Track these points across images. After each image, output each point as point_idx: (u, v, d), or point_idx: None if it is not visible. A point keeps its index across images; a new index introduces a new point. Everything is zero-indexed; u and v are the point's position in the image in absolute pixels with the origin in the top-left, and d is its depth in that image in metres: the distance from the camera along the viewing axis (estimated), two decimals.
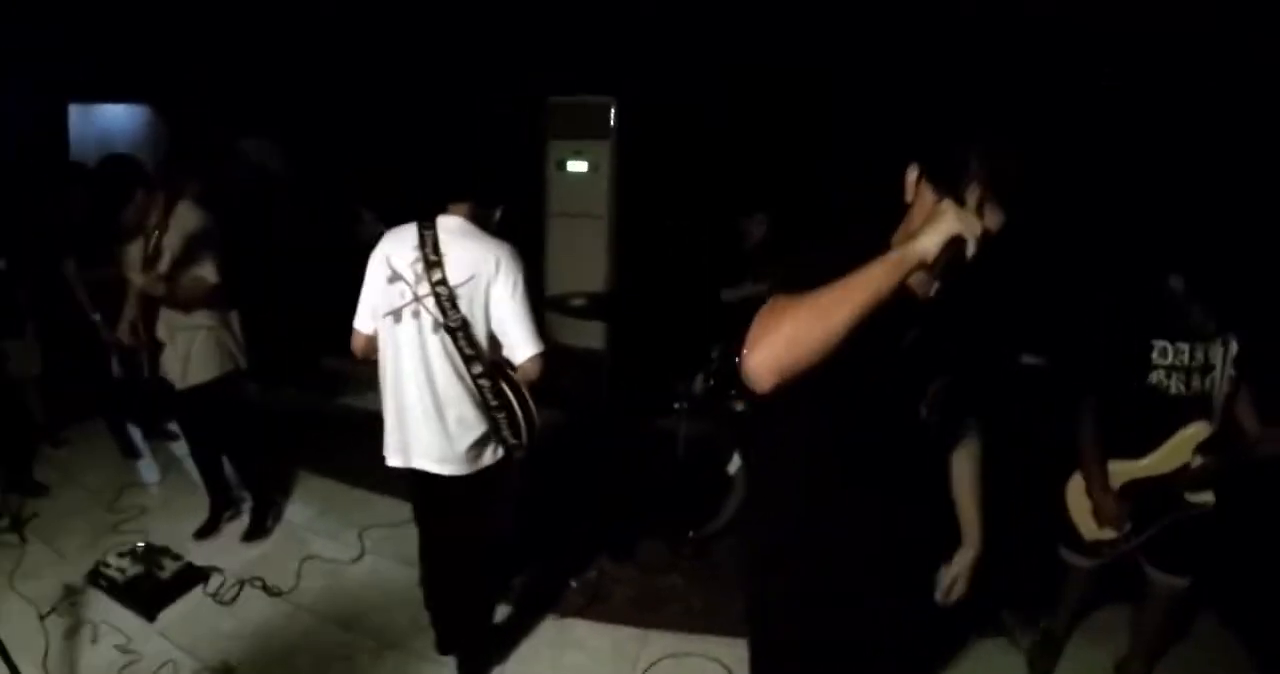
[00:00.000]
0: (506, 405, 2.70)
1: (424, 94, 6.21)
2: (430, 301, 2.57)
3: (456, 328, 2.56)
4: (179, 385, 3.73)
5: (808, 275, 1.44)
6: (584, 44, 5.61)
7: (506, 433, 2.74)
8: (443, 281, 2.54)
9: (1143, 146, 4.52)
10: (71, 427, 5.17)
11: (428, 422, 2.68)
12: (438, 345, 2.61)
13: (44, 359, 4.73)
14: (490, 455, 2.78)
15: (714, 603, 3.64)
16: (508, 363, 2.70)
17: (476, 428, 2.70)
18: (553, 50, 5.72)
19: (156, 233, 3.39)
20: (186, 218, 3.56)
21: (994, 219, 1.46)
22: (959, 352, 1.73)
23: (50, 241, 4.49)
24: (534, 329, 2.62)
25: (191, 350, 3.69)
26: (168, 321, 3.66)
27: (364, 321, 2.77)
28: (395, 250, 2.65)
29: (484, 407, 2.69)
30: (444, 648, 3.21)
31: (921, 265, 1.37)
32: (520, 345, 2.61)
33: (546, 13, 5.51)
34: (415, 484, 2.90)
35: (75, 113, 6.38)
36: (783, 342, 1.39)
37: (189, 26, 5.85)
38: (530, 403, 2.77)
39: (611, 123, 5.87)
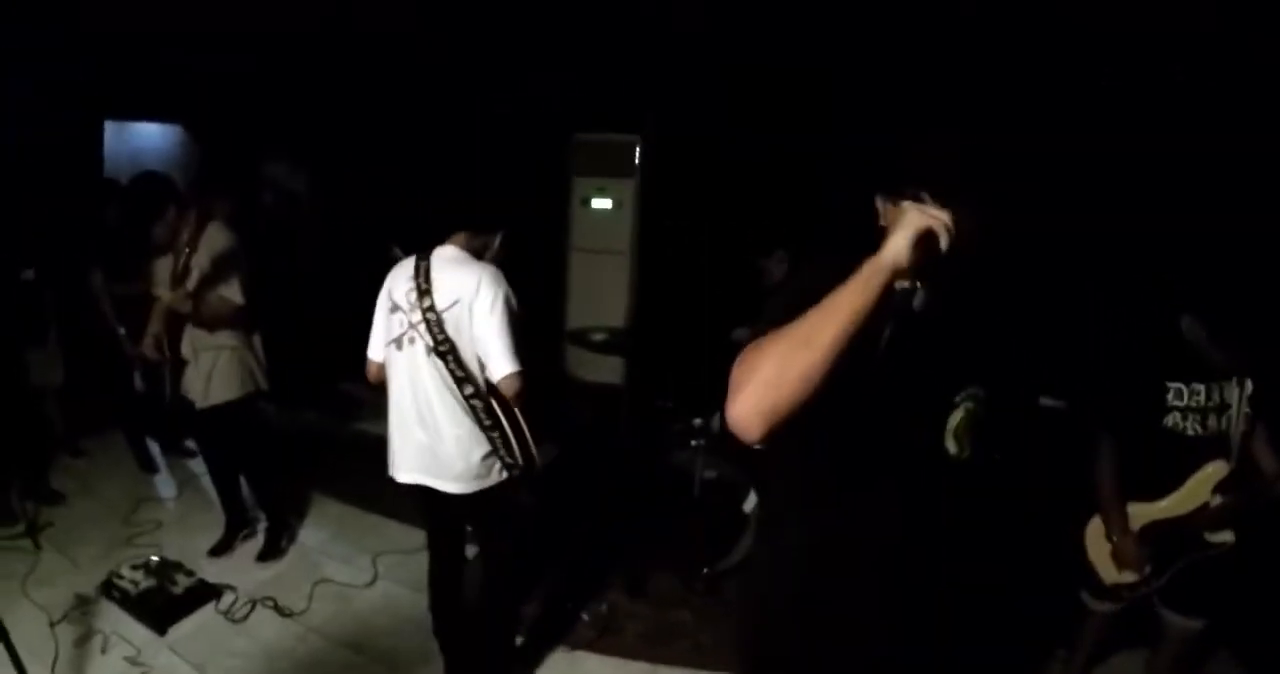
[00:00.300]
0: (498, 425, 2.78)
1: (440, 126, 6.31)
2: (422, 328, 2.70)
3: (446, 351, 2.69)
4: (200, 404, 3.78)
5: (786, 309, 1.34)
6: (610, 82, 5.71)
7: (503, 452, 2.82)
8: (431, 308, 2.68)
9: (1153, 186, 4.57)
10: (91, 437, 5.22)
11: (430, 441, 2.79)
12: (432, 369, 2.73)
13: (66, 369, 4.80)
14: (495, 475, 2.85)
15: (724, 640, 3.58)
16: None
17: (476, 447, 2.78)
18: (578, 87, 5.83)
19: (186, 251, 3.48)
20: (216, 238, 3.64)
21: (961, 213, 1.32)
22: (961, 368, 1.59)
23: (79, 254, 4.56)
24: (510, 347, 2.69)
25: (214, 370, 3.74)
26: (192, 340, 3.72)
27: (375, 350, 2.93)
28: (396, 283, 2.82)
29: (480, 425, 2.77)
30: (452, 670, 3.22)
31: (896, 269, 1.27)
32: (496, 362, 2.68)
33: (575, 50, 5.62)
34: (424, 503, 2.95)
35: (110, 130, 6.49)
36: (764, 383, 1.28)
37: (224, 49, 5.96)
38: (521, 423, 2.84)
39: (636, 161, 5.97)
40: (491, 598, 3.17)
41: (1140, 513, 2.75)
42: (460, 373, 2.70)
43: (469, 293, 2.66)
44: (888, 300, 1.28)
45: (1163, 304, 2.74)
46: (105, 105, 6.40)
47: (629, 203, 6.05)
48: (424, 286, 2.70)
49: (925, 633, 1.67)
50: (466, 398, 2.72)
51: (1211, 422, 2.60)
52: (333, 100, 6.36)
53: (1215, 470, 2.62)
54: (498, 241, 2.90)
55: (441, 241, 2.82)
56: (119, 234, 4.30)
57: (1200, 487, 2.64)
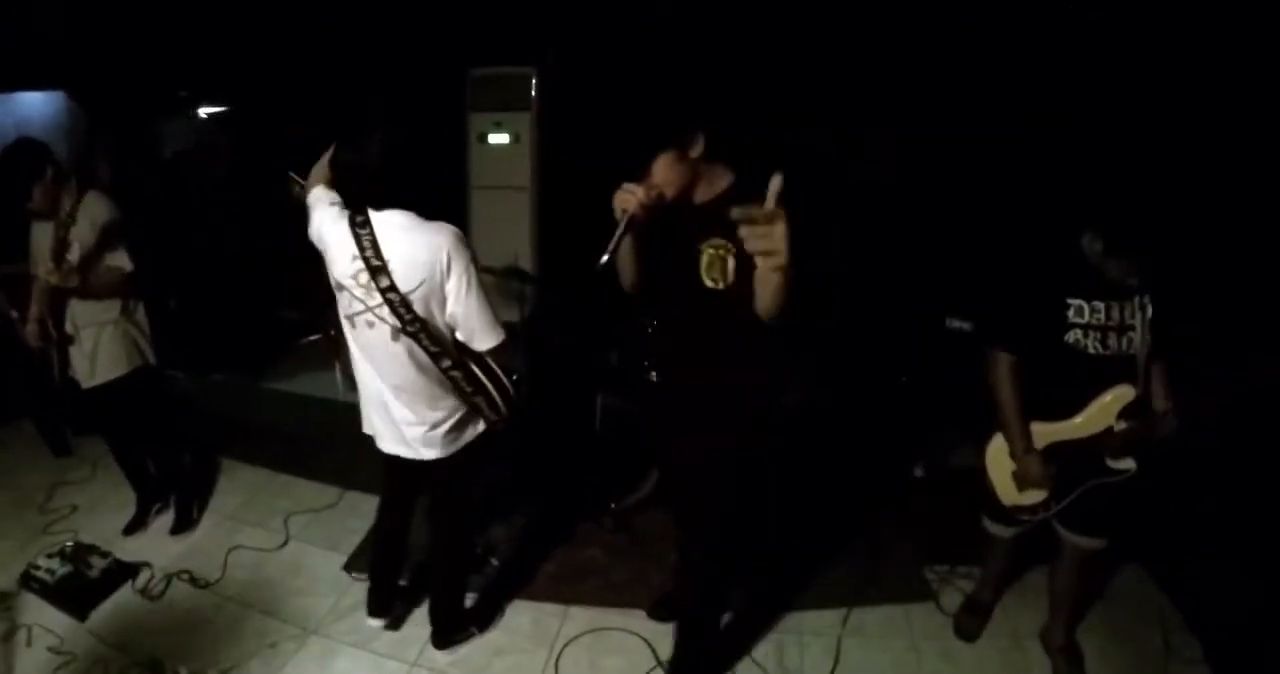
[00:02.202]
0: (482, 389, 2.68)
1: (345, 69, 6.10)
2: (384, 311, 2.47)
3: (417, 331, 2.49)
4: (85, 384, 3.66)
5: None
6: (503, 14, 5.50)
7: (487, 411, 2.74)
8: (392, 288, 2.43)
9: (1057, 100, 4.50)
10: (7, 426, 5.13)
11: (406, 416, 2.69)
12: (402, 349, 2.54)
13: None
14: (471, 432, 2.80)
15: (635, 576, 3.64)
16: None
17: (456, 414, 2.72)
18: (472, 21, 5.62)
19: (66, 223, 3.29)
20: (95, 206, 3.45)
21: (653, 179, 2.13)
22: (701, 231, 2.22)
23: None
24: (491, 319, 2.56)
25: (97, 347, 3.60)
26: (73, 317, 3.56)
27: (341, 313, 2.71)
28: (333, 256, 2.55)
29: (461, 394, 2.67)
30: (377, 611, 3.28)
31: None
32: (479, 336, 2.56)
33: None
34: (392, 462, 2.89)
35: None
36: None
37: (102, 7, 5.70)
38: (503, 379, 2.75)
39: (533, 93, 5.79)
40: (442, 569, 3.20)
41: (1044, 432, 2.71)
42: (435, 348, 2.53)
43: (439, 271, 2.43)
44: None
45: (1064, 220, 2.62)
46: None
47: (527, 137, 5.88)
48: (376, 264, 2.42)
49: (703, 399, 2.46)
50: (445, 371, 2.59)
51: (1113, 341, 2.52)
52: (222, 47, 6.11)
53: (1121, 394, 2.56)
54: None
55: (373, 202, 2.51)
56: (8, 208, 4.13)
57: (1105, 410, 2.59)
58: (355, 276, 2.47)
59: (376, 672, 3.14)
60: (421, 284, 2.43)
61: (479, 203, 6.05)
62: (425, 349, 2.54)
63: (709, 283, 2.22)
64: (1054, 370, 2.60)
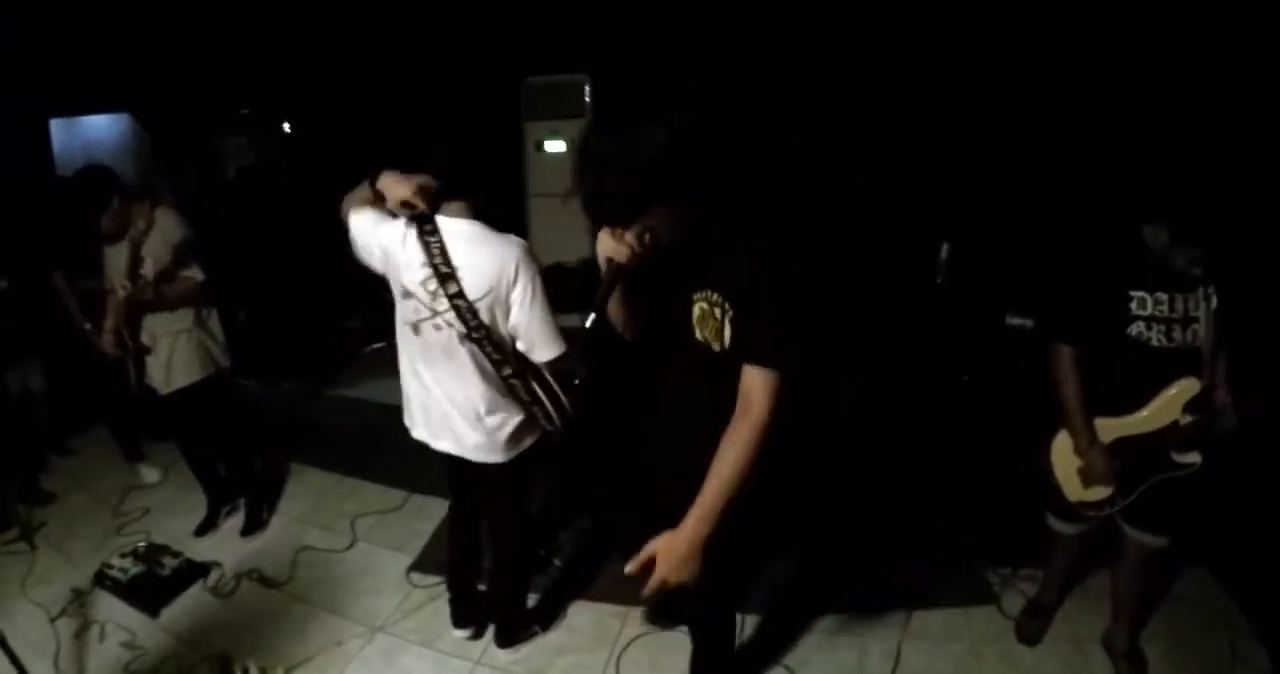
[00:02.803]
0: (538, 400, 2.74)
1: (403, 83, 6.23)
2: (450, 316, 2.55)
3: (482, 337, 2.56)
4: (162, 391, 3.81)
5: None
6: (556, 22, 5.60)
7: (543, 422, 2.80)
8: (460, 295, 2.50)
9: (1120, 91, 4.47)
10: (79, 435, 5.31)
11: (467, 422, 2.74)
12: (465, 354, 2.62)
13: (46, 374, 4.86)
14: (529, 440, 2.85)
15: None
16: None
17: (514, 420, 2.77)
18: (526, 30, 5.72)
19: (139, 241, 3.49)
20: (165, 223, 3.63)
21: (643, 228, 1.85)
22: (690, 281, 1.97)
23: (40, 257, 4.58)
24: (553, 331, 2.60)
25: (173, 355, 3.76)
26: (149, 327, 3.73)
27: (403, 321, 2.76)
28: (401, 263, 2.59)
29: (519, 402, 2.73)
30: (460, 622, 3.33)
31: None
32: (539, 347, 2.60)
33: None
34: (453, 468, 2.96)
35: (58, 128, 6.45)
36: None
37: (160, 30, 5.89)
38: (559, 393, 2.79)
39: (586, 100, 5.86)
40: (502, 571, 3.25)
41: (1109, 427, 2.69)
42: (498, 355, 2.61)
43: (505, 281, 2.50)
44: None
45: (1125, 211, 2.62)
46: (49, 104, 6.35)
47: None
48: (445, 271, 2.49)
49: (690, 459, 2.04)
50: (505, 379, 2.66)
51: (1177, 334, 2.50)
52: (283, 64, 6.28)
53: (1187, 387, 2.53)
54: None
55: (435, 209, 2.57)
56: (73, 231, 4.30)
57: (1171, 403, 2.56)
58: (424, 283, 2.54)
59: (440, 669, 3.20)
60: (489, 293, 2.51)
61: (537, 210, 6.15)
62: (488, 355, 2.61)
63: (700, 336, 1.98)
64: (1118, 364, 2.59)
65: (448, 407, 2.74)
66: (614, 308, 2.08)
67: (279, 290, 5.94)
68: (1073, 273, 2.70)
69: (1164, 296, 2.49)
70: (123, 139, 6.89)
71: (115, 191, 3.59)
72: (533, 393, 2.72)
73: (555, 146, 5.96)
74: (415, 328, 2.65)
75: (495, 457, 2.80)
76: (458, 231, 2.54)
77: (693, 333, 1.98)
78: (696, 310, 1.95)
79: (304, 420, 5.49)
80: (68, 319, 4.47)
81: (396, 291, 2.67)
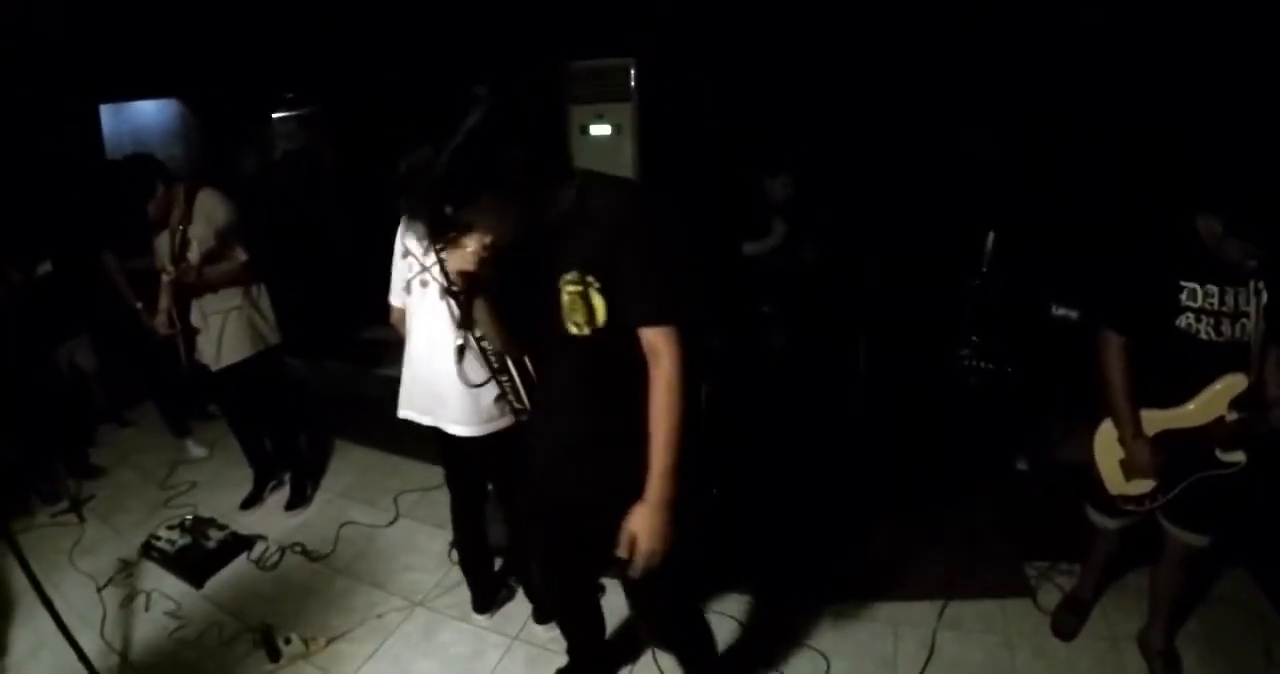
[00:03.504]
0: (505, 369, 2.75)
1: (438, 64, 6.27)
2: (436, 270, 2.65)
3: (458, 292, 2.63)
4: (214, 367, 3.91)
5: None
6: (600, 5, 5.63)
7: (511, 397, 2.79)
8: (444, 248, 2.59)
9: (1170, 83, 4.43)
10: (133, 410, 5.47)
11: (439, 385, 2.78)
12: (444, 310, 2.68)
13: (99, 350, 5.01)
14: (503, 420, 2.85)
15: (728, 555, 3.67)
16: None
17: (490, 392, 2.78)
18: (569, 14, 5.75)
19: (182, 226, 3.61)
20: (209, 204, 3.73)
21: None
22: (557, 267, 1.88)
23: (90, 238, 4.70)
24: None
25: (223, 332, 3.86)
26: (200, 306, 3.83)
27: (395, 295, 2.94)
28: (406, 226, 2.76)
29: (489, 370, 2.75)
30: (480, 606, 3.37)
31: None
32: None
33: None
34: (441, 444, 2.99)
35: (107, 113, 6.57)
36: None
37: (208, 15, 5.98)
38: (530, 368, 2.76)
39: (632, 84, 5.89)
40: (517, 535, 3.26)
41: (1154, 419, 2.65)
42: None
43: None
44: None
45: (1178, 201, 2.59)
46: (98, 89, 6.46)
47: (628, 127, 5.99)
48: None
49: (577, 453, 2.12)
50: (478, 340, 2.69)
51: (1226, 328, 2.46)
52: (325, 48, 6.35)
53: (1234, 383, 2.49)
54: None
55: None
56: (121, 212, 4.41)
57: (1217, 398, 2.53)
58: (420, 239, 2.69)
59: (479, 643, 3.25)
60: None
61: None
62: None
63: (572, 329, 1.90)
64: (1165, 356, 2.56)
65: (435, 368, 2.78)
66: (485, 322, 2.12)
67: (324, 270, 6.02)
68: (1125, 261, 2.66)
69: (1214, 289, 2.46)
70: (171, 124, 7.01)
71: (159, 179, 3.69)
72: (501, 360, 2.72)
73: (600, 130, 5.98)
74: (409, 287, 2.79)
75: (471, 428, 2.81)
76: None
77: (564, 326, 1.90)
78: (565, 299, 1.87)
79: (348, 398, 5.61)
80: (119, 298, 4.58)
81: (399, 256, 2.83)
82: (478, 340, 2.69)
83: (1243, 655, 3.10)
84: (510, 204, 1.74)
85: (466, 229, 1.83)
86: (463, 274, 1.88)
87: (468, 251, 1.85)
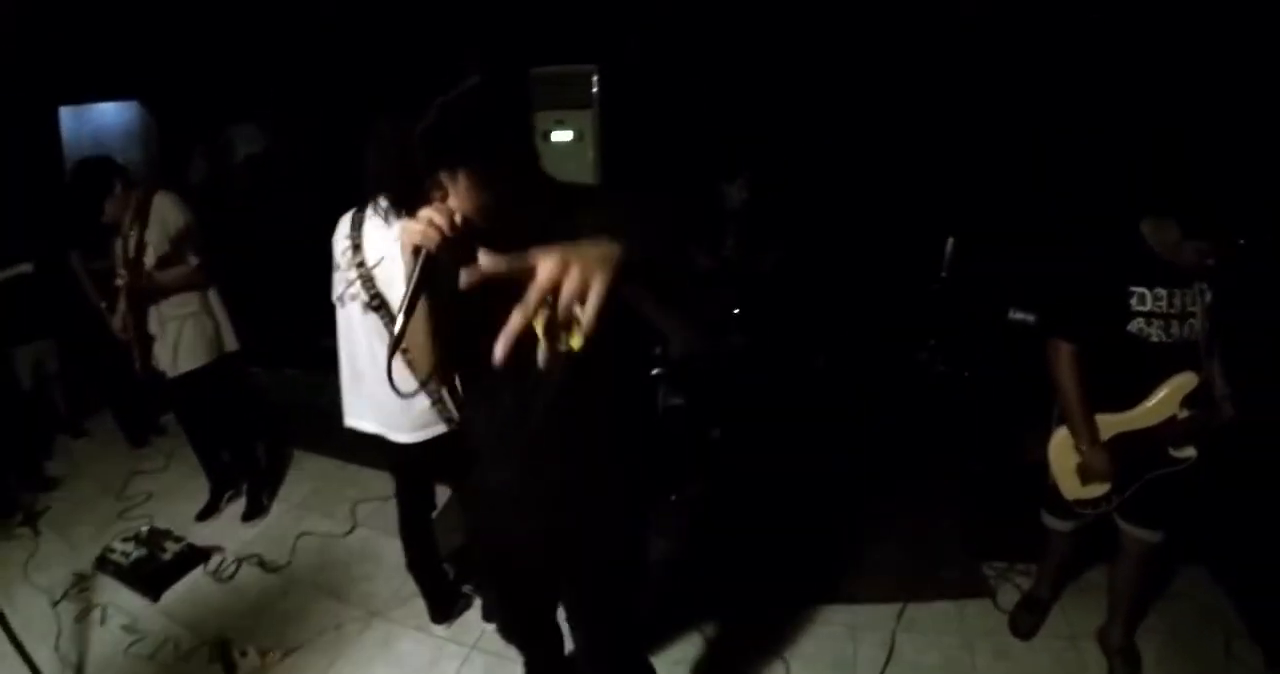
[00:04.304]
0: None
1: (409, 71, 6.22)
2: (359, 285, 2.67)
3: (379, 307, 2.66)
4: (170, 374, 3.84)
5: None
6: (564, 13, 5.60)
7: (438, 407, 2.81)
8: (362, 263, 2.65)
9: (1118, 91, 4.47)
10: (90, 418, 5.36)
11: (377, 394, 2.79)
12: (371, 325, 2.71)
13: (60, 355, 4.91)
14: (437, 426, 2.85)
15: (695, 564, 3.70)
16: None
17: (415, 400, 2.74)
18: (532, 21, 5.72)
19: (135, 230, 3.55)
20: (164, 208, 3.67)
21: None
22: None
23: (55, 239, 4.62)
24: None
25: (179, 339, 3.79)
26: (157, 312, 3.77)
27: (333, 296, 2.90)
28: (336, 237, 2.76)
29: (416, 381, 2.75)
30: (437, 617, 3.36)
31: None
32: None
33: None
34: (387, 453, 2.99)
35: (67, 115, 6.47)
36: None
37: (169, 18, 5.91)
38: (458, 383, 2.79)
39: (594, 90, 5.87)
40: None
41: (1108, 423, 2.69)
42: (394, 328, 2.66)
43: (394, 249, 2.52)
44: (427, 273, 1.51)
45: (1124, 208, 2.61)
46: (57, 91, 6.36)
47: (590, 134, 5.97)
48: (357, 242, 2.67)
49: (548, 488, 1.86)
50: (403, 353, 2.69)
51: (1175, 328, 2.49)
52: (287, 53, 6.29)
53: (1185, 382, 2.54)
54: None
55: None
56: (85, 213, 4.33)
57: (1169, 398, 2.57)
58: (344, 253, 2.71)
59: (437, 653, 3.23)
60: (381, 260, 2.61)
61: None
62: (386, 326, 2.68)
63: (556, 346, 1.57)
64: (1117, 360, 2.59)
65: (368, 380, 2.83)
66: (416, 322, 1.70)
67: (283, 276, 5.96)
68: (1073, 270, 2.69)
69: (1163, 292, 2.49)
70: (131, 126, 6.91)
71: (116, 180, 3.63)
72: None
73: (562, 136, 5.96)
74: (341, 301, 2.78)
75: (405, 435, 2.82)
76: (380, 207, 2.67)
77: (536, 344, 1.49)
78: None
79: (306, 406, 5.49)
80: (84, 299, 4.52)
81: (333, 265, 2.80)
82: (404, 353, 2.66)
83: (1201, 650, 3.13)
84: (488, 188, 1.53)
85: (432, 201, 1.57)
86: (417, 252, 1.51)
87: (432, 219, 1.51)
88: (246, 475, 4.34)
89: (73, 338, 4.88)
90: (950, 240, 4.43)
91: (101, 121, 6.85)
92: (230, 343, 3.98)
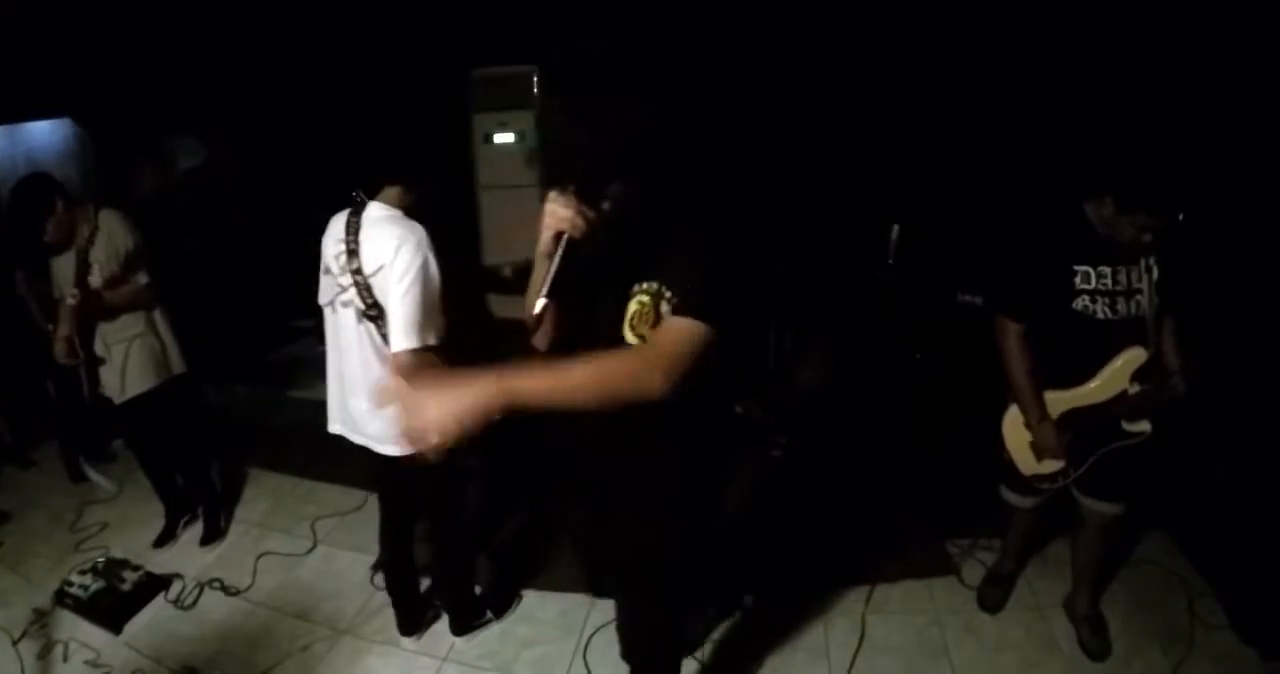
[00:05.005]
0: None
1: (342, 75, 6.14)
2: (352, 291, 2.60)
3: (376, 316, 2.59)
4: (117, 400, 3.72)
5: None
6: (502, 13, 5.55)
7: None
8: (359, 270, 2.57)
9: (1055, 67, 4.50)
10: (37, 447, 5.19)
11: (365, 405, 2.73)
12: (364, 333, 2.65)
13: (5, 380, 4.77)
14: None
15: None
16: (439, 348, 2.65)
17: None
18: (471, 22, 5.66)
19: (85, 247, 3.45)
20: (111, 226, 3.55)
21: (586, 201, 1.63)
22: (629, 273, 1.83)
23: None
24: (411, 322, 2.52)
25: (126, 362, 3.68)
26: (102, 336, 3.65)
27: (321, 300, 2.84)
28: (327, 241, 2.71)
29: None
30: (405, 629, 3.31)
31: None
32: (394, 335, 2.54)
33: None
34: (372, 463, 2.93)
35: None
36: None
37: (100, 31, 5.78)
38: None
39: (534, 91, 5.83)
40: (442, 557, 3.25)
41: (1058, 400, 2.72)
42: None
43: (389, 257, 2.52)
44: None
45: (1065, 186, 2.63)
46: None
47: (532, 135, 5.93)
48: (352, 247, 2.59)
49: (627, 478, 2.05)
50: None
51: (1121, 305, 2.52)
52: (222, 62, 6.18)
53: (1133, 357, 2.57)
54: (430, 194, 2.74)
55: (375, 195, 2.67)
56: (27, 233, 4.21)
57: (1119, 373, 2.60)
58: (337, 258, 2.64)
59: (408, 668, 3.19)
60: (380, 270, 2.55)
61: (488, 202, 6.12)
62: (383, 336, 2.61)
63: (632, 338, 1.80)
64: (1064, 337, 2.61)
65: (355, 390, 2.76)
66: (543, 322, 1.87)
67: (229, 291, 5.87)
68: (1015, 250, 2.71)
69: (1106, 270, 2.51)
70: (65, 144, 6.75)
71: (57, 197, 3.49)
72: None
73: (504, 138, 5.92)
74: (332, 307, 2.72)
75: (392, 447, 2.77)
76: (373, 214, 2.63)
77: (623, 334, 1.80)
78: (633, 305, 1.78)
79: (259, 423, 5.43)
80: (29, 322, 4.38)
81: (321, 270, 2.75)
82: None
83: (1166, 612, 3.20)
84: (649, 188, 1.71)
85: (599, 187, 1.67)
86: (559, 237, 1.62)
87: (584, 211, 1.61)
88: (202, 498, 4.24)
89: (14, 365, 4.75)
90: (895, 227, 4.45)
91: (34, 140, 6.68)
92: (178, 365, 3.87)
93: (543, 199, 1.67)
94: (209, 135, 6.62)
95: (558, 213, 1.61)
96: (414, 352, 2.54)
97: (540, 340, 1.97)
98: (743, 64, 4.99)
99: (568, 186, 1.63)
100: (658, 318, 1.75)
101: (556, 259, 1.61)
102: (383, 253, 2.54)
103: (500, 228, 5.72)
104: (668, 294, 1.74)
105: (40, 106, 6.43)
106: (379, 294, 2.57)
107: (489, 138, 5.94)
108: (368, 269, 2.57)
